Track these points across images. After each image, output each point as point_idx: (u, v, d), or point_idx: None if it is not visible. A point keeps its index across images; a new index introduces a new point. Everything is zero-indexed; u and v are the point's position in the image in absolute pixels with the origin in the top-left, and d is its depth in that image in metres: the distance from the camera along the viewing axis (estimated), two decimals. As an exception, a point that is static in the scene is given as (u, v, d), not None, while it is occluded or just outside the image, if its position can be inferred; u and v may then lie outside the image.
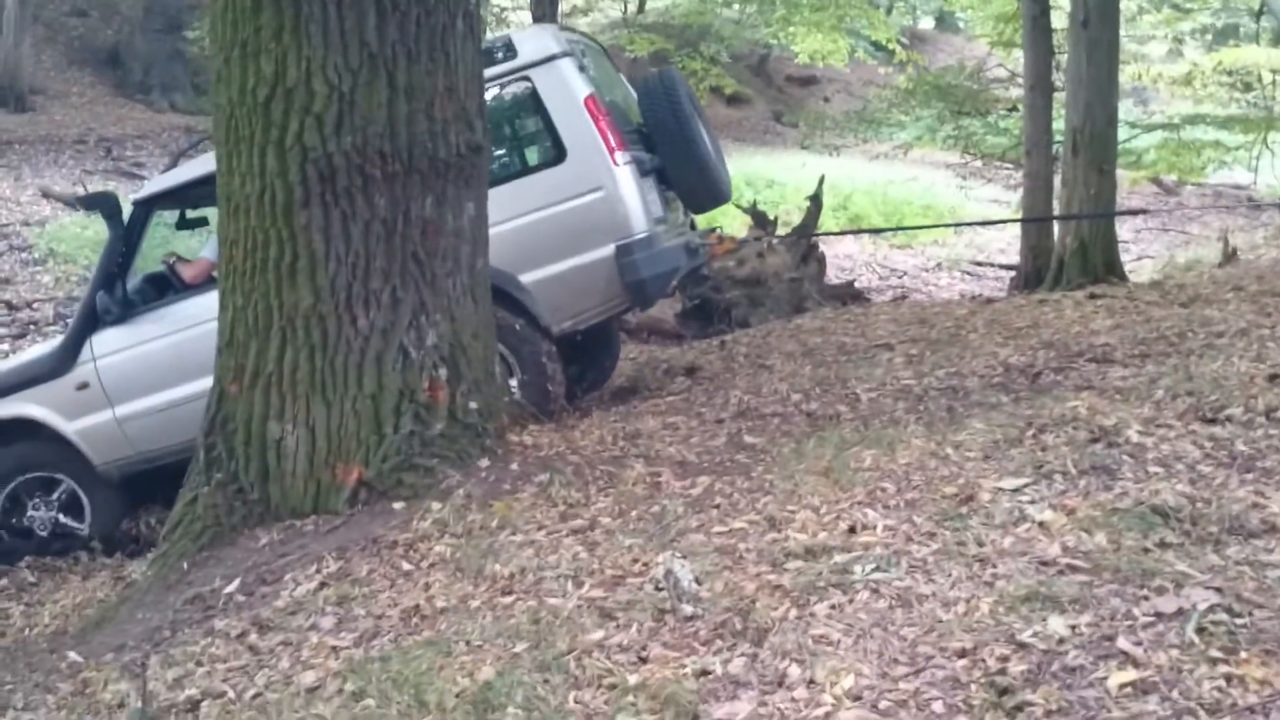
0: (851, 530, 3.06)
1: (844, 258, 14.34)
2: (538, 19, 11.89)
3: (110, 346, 5.68)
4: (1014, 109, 15.36)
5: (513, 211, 5.21)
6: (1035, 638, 2.38)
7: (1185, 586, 2.50)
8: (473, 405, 4.26)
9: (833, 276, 11.32)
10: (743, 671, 2.49)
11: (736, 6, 19.54)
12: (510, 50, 5.48)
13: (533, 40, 5.64)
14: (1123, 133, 11.42)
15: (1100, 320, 5.99)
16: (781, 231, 9.87)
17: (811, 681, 2.39)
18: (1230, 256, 11.61)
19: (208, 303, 5.50)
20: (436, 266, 4.14)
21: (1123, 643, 2.33)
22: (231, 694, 2.89)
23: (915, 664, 2.40)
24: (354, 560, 3.65)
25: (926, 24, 32.64)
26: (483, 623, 3.02)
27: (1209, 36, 26.32)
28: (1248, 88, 17.65)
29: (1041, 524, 2.93)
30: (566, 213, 5.38)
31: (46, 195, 14.39)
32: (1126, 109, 14.43)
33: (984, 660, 2.36)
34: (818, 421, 4.67)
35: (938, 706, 2.26)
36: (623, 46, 17.71)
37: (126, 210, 5.86)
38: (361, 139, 3.92)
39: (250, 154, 3.95)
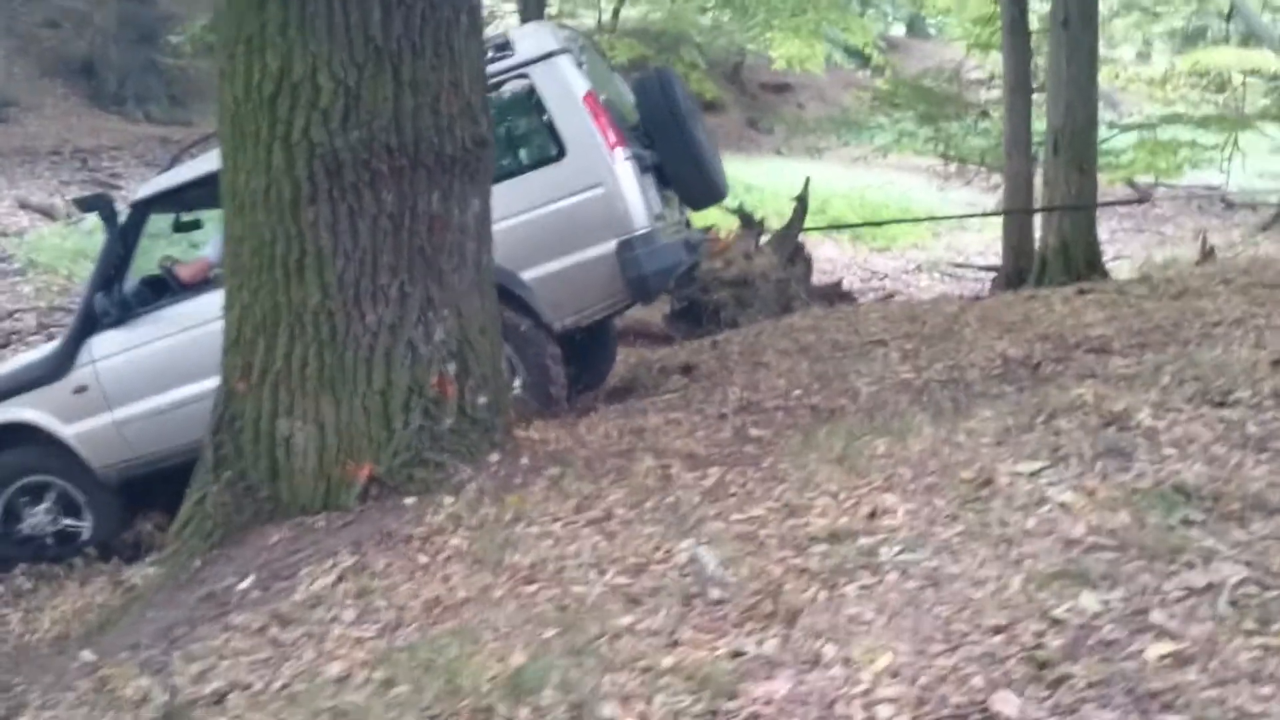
0: (873, 515, 3.07)
1: (825, 261, 14.41)
2: (525, 20, 11.91)
3: (109, 349, 5.63)
4: (985, 114, 15.56)
5: (513, 209, 5.21)
6: (1069, 613, 2.40)
7: (1213, 561, 2.53)
8: (481, 400, 4.26)
9: (816, 279, 11.36)
10: (777, 652, 2.50)
11: (712, 14, 19.62)
12: (507, 48, 5.49)
13: (530, 38, 5.65)
14: (1100, 133, 11.55)
15: (1092, 314, 6.04)
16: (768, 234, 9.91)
17: (848, 660, 2.40)
18: (1208, 255, 11.75)
19: (206, 303, 5.48)
20: (443, 262, 4.14)
21: (1156, 616, 2.36)
22: (259, 685, 2.88)
23: (951, 641, 2.42)
24: (370, 554, 3.63)
25: (897, 30, 32.87)
26: (507, 611, 3.01)
27: (1177, 40, 26.65)
28: (1219, 89, 17.90)
29: (1063, 505, 2.95)
30: (567, 209, 5.39)
31: (24, 206, 14.27)
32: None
33: (1020, 636, 2.37)
34: (821, 414, 4.70)
35: (977, 681, 2.27)
36: (602, 52, 17.74)
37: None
38: (368, 134, 3.92)
39: (256, 150, 3.94)
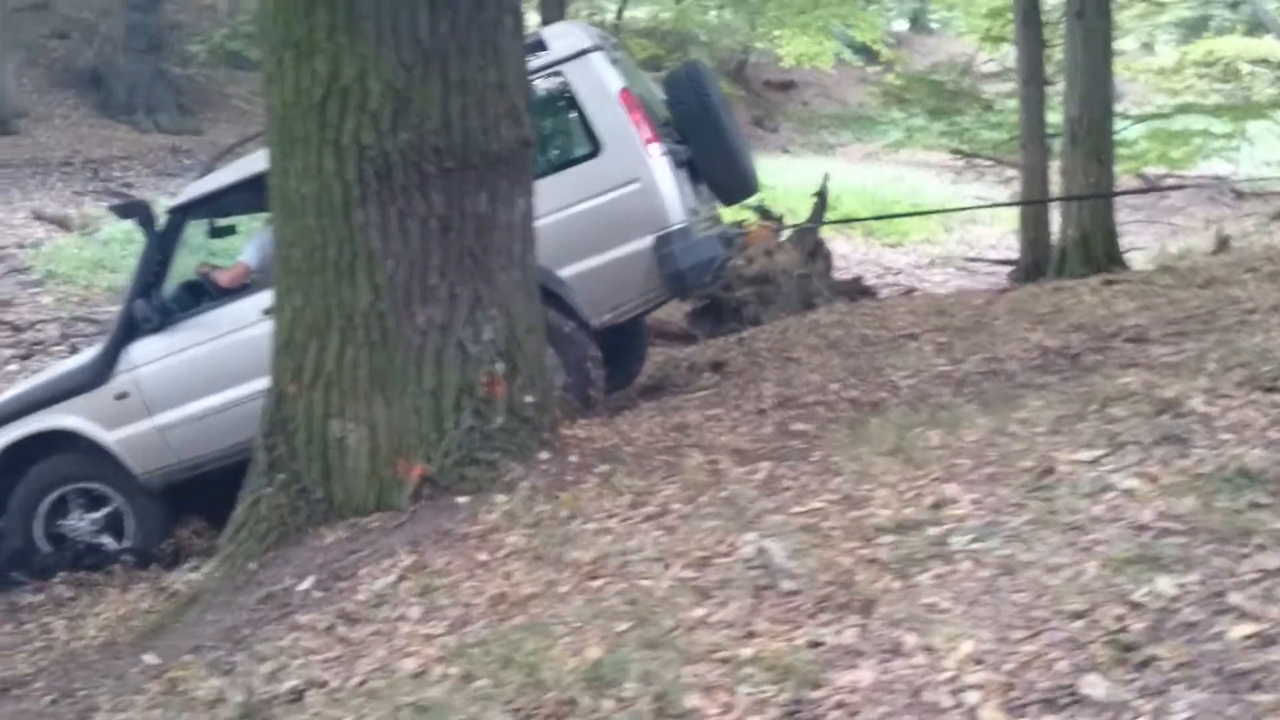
0: (937, 505, 3.09)
1: (838, 257, 14.35)
2: (545, 21, 11.94)
3: (149, 355, 5.67)
4: (989, 107, 15.57)
5: (549, 206, 5.23)
6: (1148, 597, 2.42)
7: (1286, 543, 2.55)
8: (529, 399, 4.28)
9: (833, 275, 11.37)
10: (856, 641, 2.52)
11: (716, 13, 19.64)
12: (541, 46, 5.51)
13: (564, 36, 5.68)
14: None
15: (1123, 304, 6.06)
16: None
17: (929, 648, 2.42)
18: (1223, 244, 11.75)
19: (245, 308, 5.52)
20: (491, 262, 4.17)
21: (1234, 598, 2.38)
22: (335, 683, 2.91)
23: (1032, 627, 2.44)
24: (428, 553, 3.66)
25: (900, 26, 32.89)
26: (576, 606, 3.04)
27: (1182, 30, 26.66)
28: (1227, 79, 17.91)
29: (1128, 491, 2.97)
30: (603, 206, 5.41)
31: (39, 217, 14.31)
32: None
33: (1100, 621, 2.39)
34: (862, 408, 4.72)
35: (1063, 666, 2.30)
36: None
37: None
38: (417, 136, 3.95)
39: (306, 154, 3.97)
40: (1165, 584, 2.48)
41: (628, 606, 2.94)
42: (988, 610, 2.53)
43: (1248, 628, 2.27)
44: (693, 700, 2.44)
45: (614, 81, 5.47)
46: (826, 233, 11.25)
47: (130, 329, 5.69)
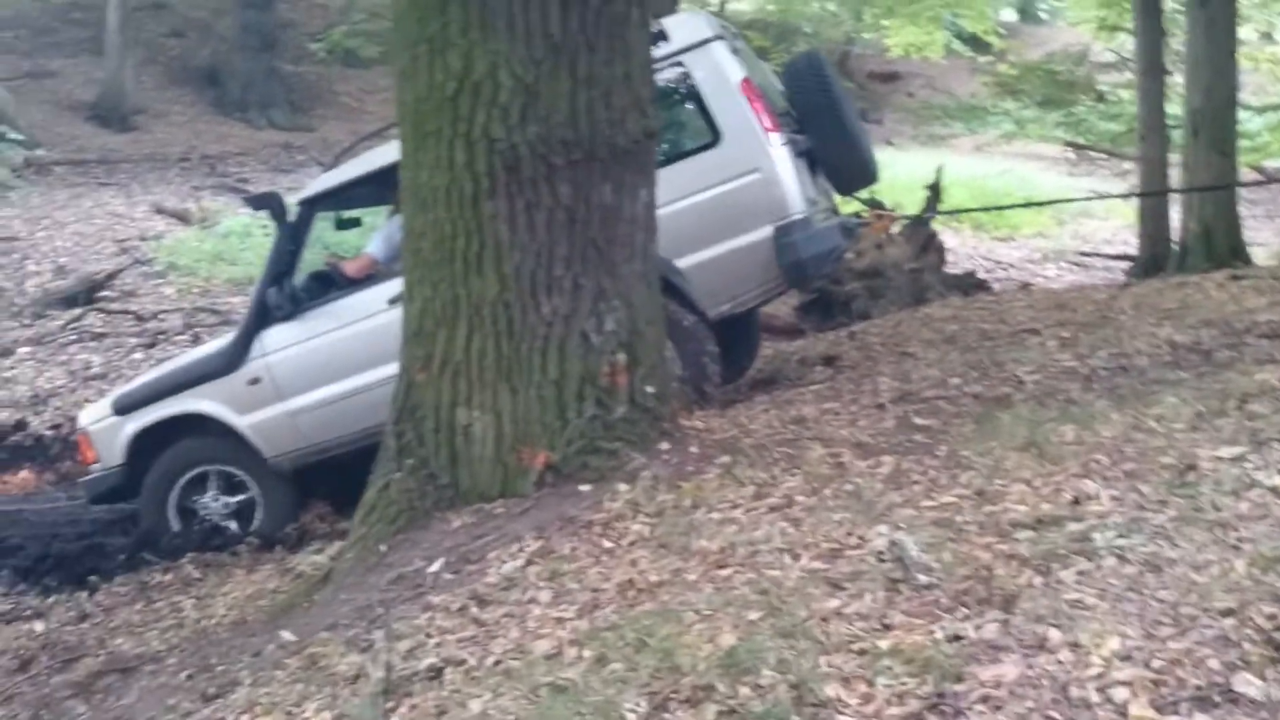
0: (1076, 501, 3.05)
1: (948, 251, 14.20)
2: (656, 15, 11.93)
3: (280, 342, 5.84)
4: (1102, 98, 15.16)
5: (668, 196, 5.23)
6: (1301, 596, 2.37)
7: None
8: (649, 389, 4.31)
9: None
10: (998, 636, 2.51)
11: (820, 4, 19.45)
12: (663, 36, 5.52)
13: (686, 26, 5.70)
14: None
15: (1253, 299, 5.88)
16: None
17: (1075, 644, 2.40)
18: (1353, 239, 11.31)
19: (372, 297, 5.66)
20: (615, 253, 4.20)
21: (1392, 598, 2.31)
22: (472, 661, 2.97)
23: (1180, 625, 2.40)
24: (553, 539, 3.71)
25: (1008, 15, 32.20)
26: (705, 594, 3.06)
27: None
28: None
29: (1274, 489, 2.90)
30: (723, 195, 5.41)
31: (160, 211, 14.81)
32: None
33: (1252, 619, 2.35)
34: (987, 403, 4.64)
35: (1213, 664, 2.26)
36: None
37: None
38: (545, 129, 4.00)
39: (438, 148, 4.04)
40: (1320, 584, 2.42)
41: (758, 596, 2.95)
42: (1134, 607, 2.49)
43: None
44: (831, 690, 2.45)
45: (735, 71, 5.47)
46: (934, 225, 11.08)
47: (262, 316, 5.87)
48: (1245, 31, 26.63)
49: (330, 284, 6.01)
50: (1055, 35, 27.04)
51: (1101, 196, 13.62)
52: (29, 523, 6.91)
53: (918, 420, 4.52)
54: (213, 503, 6.11)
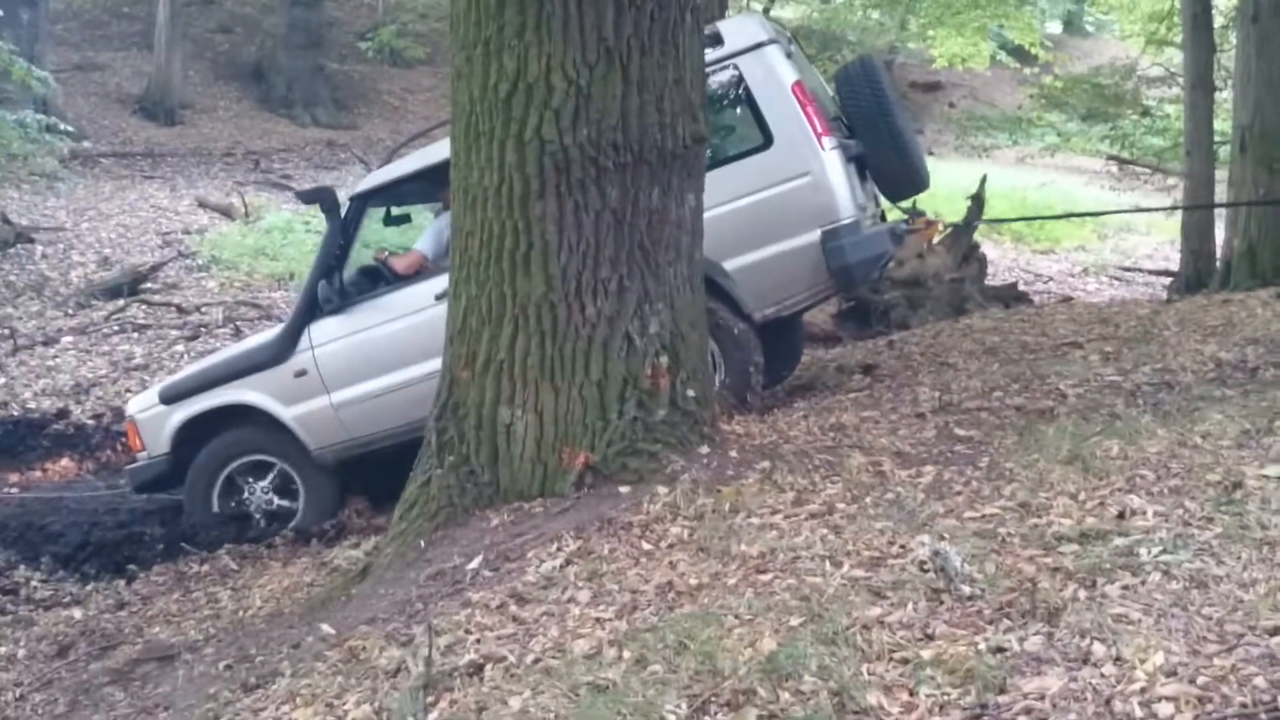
0: (1121, 515, 3.04)
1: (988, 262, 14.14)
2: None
3: (327, 335, 5.90)
4: (1147, 112, 15.01)
5: (718, 198, 5.25)
6: (1350, 617, 2.35)
7: None
8: (691, 393, 4.33)
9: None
10: (1041, 649, 2.49)
11: (872, 12, 19.37)
12: (717, 39, 5.54)
13: (740, 29, 5.72)
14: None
15: (1301, 318, 5.83)
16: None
17: (1119, 659, 2.39)
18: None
19: (419, 292, 5.71)
20: (660, 256, 4.23)
21: None
22: (511, 659, 2.99)
23: (1226, 642, 2.38)
24: (592, 540, 3.73)
25: (1053, 28, 32.00)
26: (746, 598, 3.06)
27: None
28: None
29: (1323, 510, 2.88)
30: (773, 198, 5.43)
31: (203, 205, 14.99)
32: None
33: (1300, 639, 2.33)
34: (1029, 415, 4.63)
35: (1259, 682, 2.24)
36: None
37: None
38: (596, 131, 4.03)
39: (490, 148, 4.08)
40: (1370, 606, 2.39)
41: (799, 602, 2.95)
42: (1179, 623, 2.48)
43: None
44: (873, 698, 2.45)
45: (788, 75, 5.49)
46: (976, 237, 11.03)
47: (312, 309, 5.93)
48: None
49: (378, 279, 6.07)
50: (1101, 48, 26.87)
51: (1146, 210, 13.51)
52: (69, 510, 7.00)
53: (959, 431, 4.51)
54: (257, 494, 6.16)
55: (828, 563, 3.19)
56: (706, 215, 4.71)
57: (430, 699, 2.92)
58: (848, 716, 2.40)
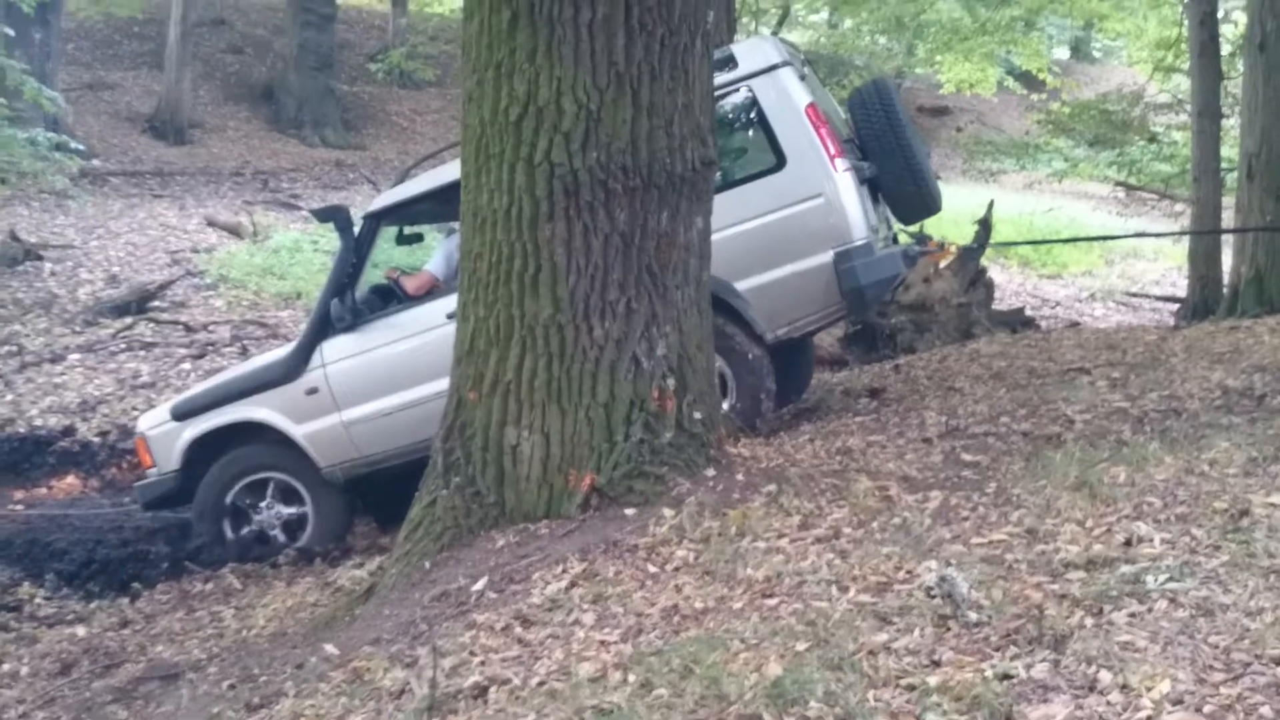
0: (1128, 543, 3.03)
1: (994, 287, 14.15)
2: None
3: (339, 353, 5.92)
4: (1154, 139, 15.04)
5: (731, 219, 5.26)
6: (1358, 647, 2.34)
7: None
8: (697, 416, 4.34)
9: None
10: (1048, 676, 2.49)
11: (880, 38, 19.45)
12: (731, 61, 5.57)
13: (754, 51, 5.74)
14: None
15: (1309, 346, 5.82)
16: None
17: (1125, 686, 2.38)
18: None
19: (430, 311, 5.72)
20: (668, 279, 4.24)
21: None
22: (516, 681, 2.98)
23: (1233, 670, 2.38)
24: (598, 562, 3.73)
25: (1060, 54, 32.12)
26: (751, 623, 3.06)
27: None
28: None
29: (1331, 539, 2.87)
30: (785, 219, 5.45)
31: (211, 224, 15.04)
32: None
33: (1307, 667, 2.32)
34: (1036, 441, 4.62)
35: (1266, 711, 2.23)
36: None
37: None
38: (605, 155, 4.05)
39: (500, 170, 4.10)
40: (1379, 636, 2.39)
41: (805, 627, 2.95)
42: (1185, 651, 2.47)
43: None
44: (878, 723, 2.44)
45: (801, 97, 5.52)
46: (983, 261, 11.04)
47: (324, 327, 5.95)
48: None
49: (390, 298, 6.09)
50: (1108, 74, 26.95)
51: (1154, 235, 13.52)
52: (74, 528, 7.00)
53: (966, 456, 4.51)
54: (266, 511, 6.17)
55: (834, 587, 3.18)
56: (719, 236, 4.73)
57: (435, 720, 2.92)
58: (854, 742, 2.40)
